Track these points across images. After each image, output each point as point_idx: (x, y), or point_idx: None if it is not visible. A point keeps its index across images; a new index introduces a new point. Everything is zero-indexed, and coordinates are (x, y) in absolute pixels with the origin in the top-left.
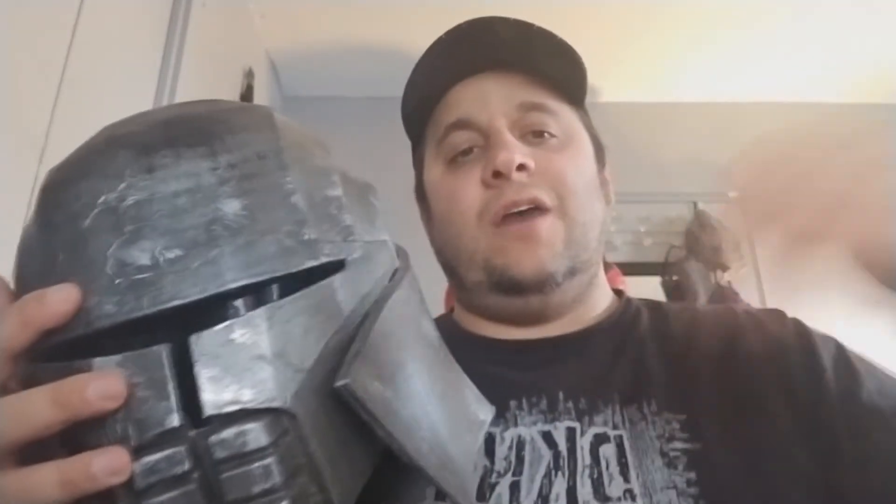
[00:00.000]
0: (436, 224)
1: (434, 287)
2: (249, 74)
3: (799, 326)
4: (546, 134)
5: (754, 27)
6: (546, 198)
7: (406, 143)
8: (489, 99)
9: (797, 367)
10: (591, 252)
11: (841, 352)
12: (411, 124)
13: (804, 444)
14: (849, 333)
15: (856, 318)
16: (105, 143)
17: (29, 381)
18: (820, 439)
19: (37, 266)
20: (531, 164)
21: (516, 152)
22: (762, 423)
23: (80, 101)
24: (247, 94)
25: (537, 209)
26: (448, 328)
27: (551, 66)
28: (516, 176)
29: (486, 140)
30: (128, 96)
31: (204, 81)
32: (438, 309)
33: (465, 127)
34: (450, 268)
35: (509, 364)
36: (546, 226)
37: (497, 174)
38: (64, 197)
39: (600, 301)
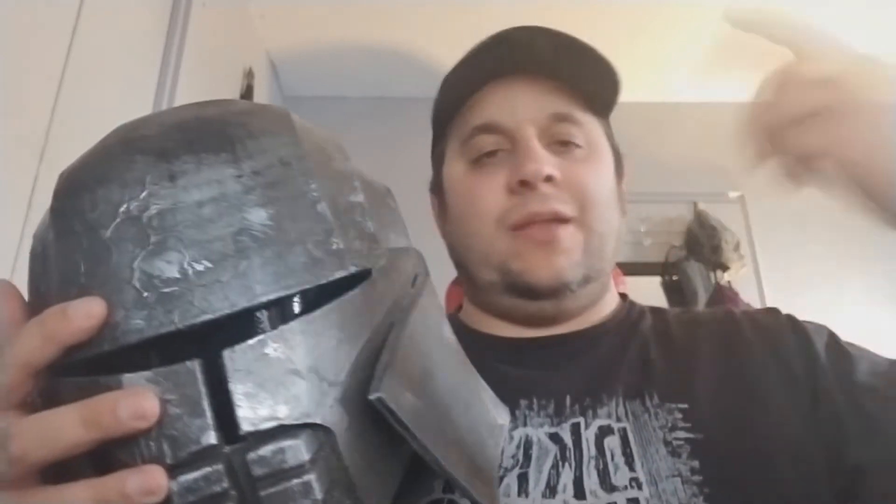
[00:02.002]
0: (451, 220)
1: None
2: (249, 74)
3: (792, 318)
4: (572, 144)
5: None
6: (567, 209)
7: (405, 144)
8: (519, 104)
9: (793, 353)
10: (605, 262)
11: (832, 338)
12: (438, 119)
13: (807, 427)
14: (846, 330)
15: (854, 317)
16: (120, 147)
17: (52, 396)
18: (822, 420)
19: (56, 276)
20: (558, 175)
21: (545, 163)
22: (762, 410)
23: (80, 101)
24: (247, 95)
25: (557, 220)
26: (455, 328)
27: (584, 77)
28: (542, 187)
29: (512, 144)
30: (128, 96)
31: (204, 81)
32: None
33: (493, 131)
34: (461, 265)
35: (518, 362)
36: (567, 234)
37: (524, 183)
38: (81, 204)
39: (608, 304)
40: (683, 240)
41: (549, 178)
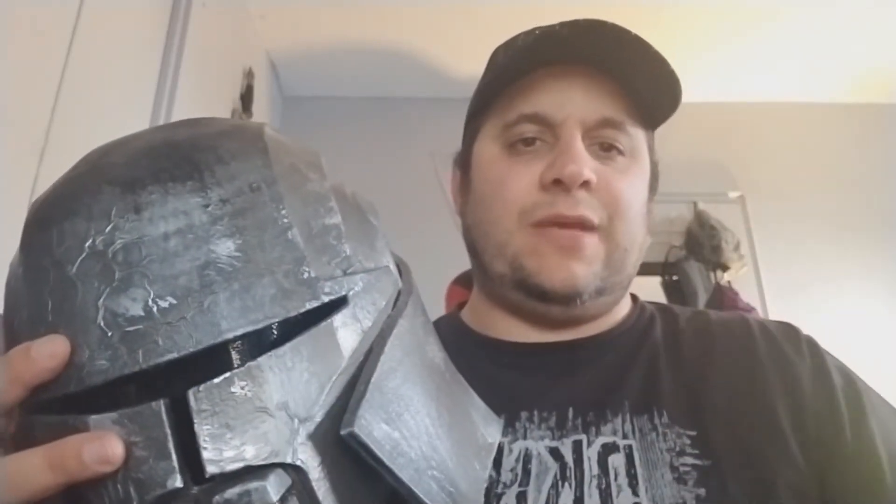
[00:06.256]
0: (473, 201)
1: (433, 286)
2: (249, 74)
3: (814, 352)
4: (615, 150)
5: (754, 28)
6: (595, 217)
7: (405, 144)
8: (571, 99)
9: (809, 397)
10: (623, 276)
11: (852, 386)
12: (483, 93)
13: (809, 475)
14: (846, 330)
15: (854, 317)
16: (89, 178)
17: (27, 433)
18: (825, 475)
19: (25, 313)
20: (595, 180)
21: (584, 166)
22: (772, 445)
23: (80, 101)
24: (247, 95)
25: (583, 227)
26: (456, 329)
27: (644, 85)
28: (576, 191)
29: (553, 138)
30: (128, 96)
31: (204, 81)
32: (439, 310)
33: (539, 122)
34: (475, 250)
35: (522, 369)
36: (591, 243)
37: (557, 183)
38: (49, 238)
39: (621, 309)
40: (683, 240)
41: (585, 183)
